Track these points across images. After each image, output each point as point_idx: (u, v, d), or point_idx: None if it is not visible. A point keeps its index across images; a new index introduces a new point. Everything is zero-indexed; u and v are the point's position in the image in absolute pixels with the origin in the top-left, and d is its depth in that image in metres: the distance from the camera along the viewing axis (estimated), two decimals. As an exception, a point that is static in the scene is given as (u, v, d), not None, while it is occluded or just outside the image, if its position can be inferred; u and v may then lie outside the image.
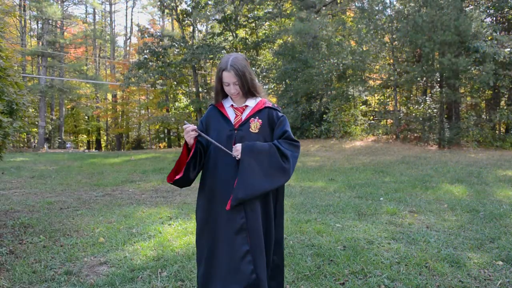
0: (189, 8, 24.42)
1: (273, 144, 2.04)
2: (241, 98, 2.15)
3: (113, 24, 42.39)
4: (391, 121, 17.78)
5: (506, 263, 3.12)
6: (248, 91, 2.11)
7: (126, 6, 50.25)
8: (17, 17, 28.02)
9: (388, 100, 18.96)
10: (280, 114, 2.15)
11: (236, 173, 2.01)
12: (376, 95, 19.12)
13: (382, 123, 18.10)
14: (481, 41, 13.94)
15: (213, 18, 24.28)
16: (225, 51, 23.37)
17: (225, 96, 2.19)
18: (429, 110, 16.23)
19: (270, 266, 2.12)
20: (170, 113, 28.70)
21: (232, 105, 2.16)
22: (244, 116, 2.12)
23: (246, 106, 2.14)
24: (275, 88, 23.29)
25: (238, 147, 2.00)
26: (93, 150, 34.67)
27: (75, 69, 31.87)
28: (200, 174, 2.22)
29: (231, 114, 2.14)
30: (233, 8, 22.53)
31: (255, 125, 2.09)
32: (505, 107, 15.49)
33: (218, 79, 2.09)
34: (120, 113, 35.35)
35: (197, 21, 26.15)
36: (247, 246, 1.98)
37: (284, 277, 2.24)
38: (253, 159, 1.98)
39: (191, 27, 26.45)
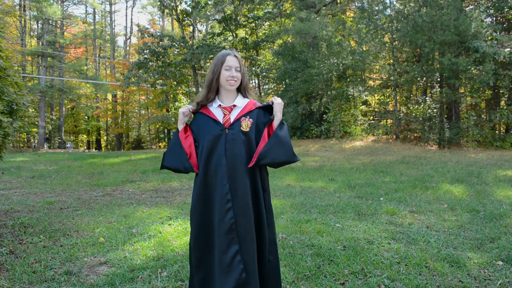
0: (189, 8, 24.42)
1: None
2: (232, 93, 2.17)
3: (113, 24, 42.44)
4: (391, 121, 17.79)
5: (506, 263, 3.12)
6: (243, 88, 2.18)
7: (126, 6, 50.21)
8: (17, 17, 28.02)
9: (388, 100, 18.96)
10: (270, 116, 2.21)
11: (226, 172, 2.03)
12: (376, 95, 19.13)
13: (382, 123, 18.11)
14: (481, 41, 13.93)
15: (213, 18, 24.28)
16: (225, 51, 23.33)
17: (216, 94, 2.19)
18: (429, 110, 16.24)
19: (266, 267, 2.13)
20: (170, 113, 28.70)
21: (220, 105, 2.15)
22: (233, 115, 2.13)
23: (235, 106, 2.15)
24: (275, 88, 23.29)
25: (279, 100, 2.15)
26: (93, 150, 34.68)
27: (75, 69, 31.89)
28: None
29: (218, 114, 2.14)
30: (233, 8, 22.53)
31: (246, 124, 2.10)
32: (505, 107, 15.49)
33: (217, 67, 2.11)
34: (120, 113, 35.35)
35: (197, 21, 26.16)
36: (237, 246, 1.98)
37: (280, 276, 2.24)
38: (285, 132, 2.13)
39: (191, 27, 26.45)
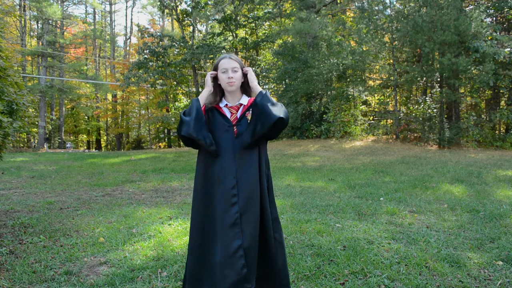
0: (189, 8, 24.43)
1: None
2: (236, 93, 2.21)
3: (113, 24, 42.43)
4: (391, 121, 17.78)
5: (506, 263, 3.12)
6: (244, 86, 2.24)
7: (126, 6, 50.18)
8: (17, 17, 28.01)
9: (388, 100, 18.95)
10: None
11: (233, 167, 2.07)
12: (376, 95, 19.12)
13: (382, 123, 18.10)
14: (481, 41, 13.93)
15: (213, 18, 24.28)
16: (225, 51, 23.39)
17: (221, 96, 2.26)
18: (429, 110, 16.23)
19: (273, 244, 2.17)
20: (170, 113, 28.70)
21: (226, 105, 2.22)
22: (239, 113, 2.19)
23: (241, 104, 2.21)
24: (275, 88, 23.29)
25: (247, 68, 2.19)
26: (93, 150, 34.68)
27: (75, 69, 31.88)
28: (195, 172, 2.27)
29: (226, 112, 2.22)
30: (233, 8, 22.53)
31: (250, 116, 2.16)
32: (505, 107, 15.48)
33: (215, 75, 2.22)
34: (120, 113, 35.35)
35: (197, 21, 26.16)
36: (240, 240, 2.00)
37: (286, 254, 2.28)
38: (263, 99, 2.10)
39: (191, 27, 26.45)
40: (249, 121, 2.13)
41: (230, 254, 1.98)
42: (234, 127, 2.14)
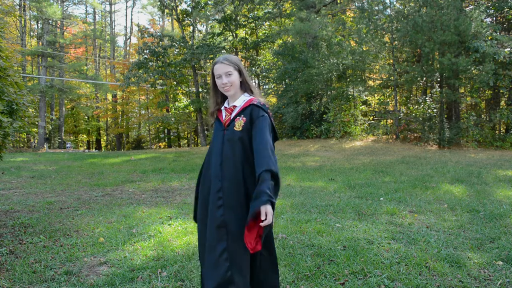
0: (189, 8, 24.43)
1: (265, 174, 1.89)
2: (236, 95, 2.20)
3: (113, 24, 42.42)
4: (391, 121, 17.78)
5: (506, 263, 3.12)
6: (245, 86, 2.20)
7: (126, 6, 50.17)
8: (17, 17, 28.01)
9: (388, 100, 18.95)
10: (261, 113, 2.09)
11: (219, 170, 2.08)
12: (376, 95, 19.12)
13: (382, 123, 18.09)
14: (481, 41, 13.93)
15: (213, 18, 24.28)
16: (225, 51, 23.39)
17: (223, 99, 2.28)
18: (429, 110, 16.23)
19: (258, 260, 2.14)
20: (170, 113, 28.70)
21: (225, 107, 2.23)
22: (233, 115, 2.18)
23: (235, 106, 2.18)
24: (275, 88, 23.28)
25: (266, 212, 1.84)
26: (93, 150, 34.68)
27: (75, 69, 31.87)
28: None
29: (224, 115, 2.22)
30: (233, 8, 22.53)
31: (239, 123, 2.11)
32: (505, 107, 15.48)
33: (212, 78, 2.21)
34: (120, 113, 35.35)
35: (197, 21, 26.16)
36: (225, 243, 2.01)
37: (278, 271, 2.24)
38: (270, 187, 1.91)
39: (191, 27, 26.46)
40: (238, 129, 2.08)
41: (215, 257, 2.00)
42: (224, 131, 2.14)
